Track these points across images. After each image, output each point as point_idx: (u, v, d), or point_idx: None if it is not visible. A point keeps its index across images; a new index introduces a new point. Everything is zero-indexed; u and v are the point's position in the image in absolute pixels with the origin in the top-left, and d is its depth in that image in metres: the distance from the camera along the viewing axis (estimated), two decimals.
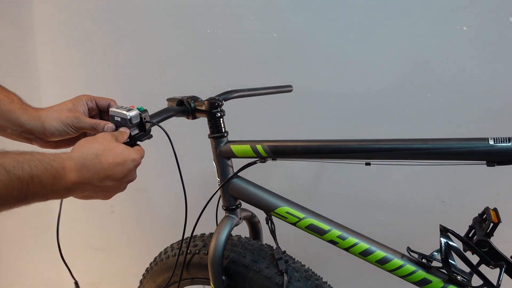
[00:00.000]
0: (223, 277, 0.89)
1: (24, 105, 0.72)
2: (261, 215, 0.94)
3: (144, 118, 0.71)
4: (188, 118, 0.88)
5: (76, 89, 1.17)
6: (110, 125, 0.70)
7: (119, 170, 0.62)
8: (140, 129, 0.72)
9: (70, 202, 0.73)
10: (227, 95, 0.93)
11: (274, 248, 0.90)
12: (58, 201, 0.67)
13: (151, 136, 0.74)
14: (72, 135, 0.73)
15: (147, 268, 1.09)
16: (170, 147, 0.76)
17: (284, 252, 0.91)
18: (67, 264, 0.81)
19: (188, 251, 0.97)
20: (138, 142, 0.71)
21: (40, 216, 1.75)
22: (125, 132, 0.68)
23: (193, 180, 1.45)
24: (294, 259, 0.93)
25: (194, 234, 0.98)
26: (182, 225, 0.86)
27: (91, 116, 0.77)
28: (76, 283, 0.84)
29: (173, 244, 1.05)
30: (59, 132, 0.71)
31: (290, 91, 1.07)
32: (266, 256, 0.90)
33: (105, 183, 0.61)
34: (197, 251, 0.97)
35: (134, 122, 0.69)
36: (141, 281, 1.12)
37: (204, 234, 1.02)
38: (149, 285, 1.08)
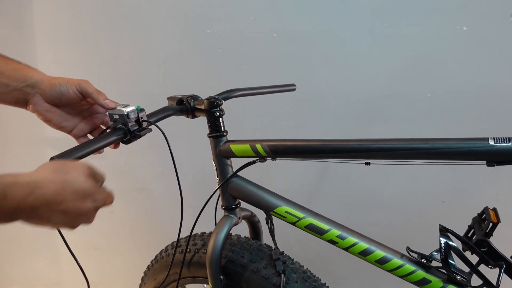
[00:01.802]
0: (221, 277, 0.89)
1: (32, 67, 0.72)
2: (261, 215, 0.94)
3: (141, 118, 0.72)
4: (187, 117, 0.88)
5: None
6: (111, 103, 0.71)
7: (61, 218, 0.53)
8: (139, 126, 0.72)
9: None
10: (229, 94, 0.93)
11: (273, 248, 0.90)
12: None
13: (150, 130, 0.74)
14: (72, 99, 0.70)
15: (148, 265, 1.10)
16: (167, 146, 0.77)
17: (283, 252, 0.91)
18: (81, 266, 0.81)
19: (188, 249, 0.97)
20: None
21: None
22: (103, 177, 0.60)
23: (192, 179, 1.45)
24: (292, 259, 0.93)
25: (194, 233, 0.98)
26: (185, 224, 0.86)
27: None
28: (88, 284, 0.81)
29: (173, 242, 1.06)
30: (61, 89, 0.69)
31: (293, 90, 1.07)
32: (265, 256, 0.90)
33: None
34: (196, 249, 0.97)
35: (131, 117, 0.70)
36: (142, 279, 1.13)
37: (204, 232, 1.03)
38: (150, 282, 1.08)
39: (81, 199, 0.53)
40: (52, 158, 0.57)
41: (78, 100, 0.71)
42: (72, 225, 0.55)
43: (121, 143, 0.72)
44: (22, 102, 0.70)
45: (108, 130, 0.72)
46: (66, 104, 0.71)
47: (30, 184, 0.49)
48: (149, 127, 0.74)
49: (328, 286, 0.91)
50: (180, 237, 1.04)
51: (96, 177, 0.57)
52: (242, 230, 1.03)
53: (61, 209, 0.52)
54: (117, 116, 0.70)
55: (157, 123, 0.75)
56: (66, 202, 0.52)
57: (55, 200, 0.51)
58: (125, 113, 0.69)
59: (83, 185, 0.53)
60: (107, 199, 0.59)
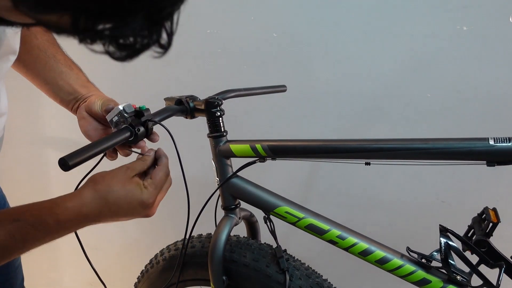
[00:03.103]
0: (224, 277, 0.88)
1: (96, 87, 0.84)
2: (258, 214, 0.93)
3: (147, 118, 0.71)
4: (186, 118, 0.88)
5: None
6: (112, 107, 0.73)
7: (124, 212, 0.63)
8: (142, 125, 0.71)
9: None
10: (224, 95, 0.92)
11: (274, 247, 0.90)
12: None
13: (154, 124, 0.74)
14: (96, 112, 0.76)
15: (142, 271, 1.07)
16: (170, 146, 0.76)
17: (285, 250, 0.91)
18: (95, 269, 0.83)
19: (187, 251, 0.96)
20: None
21: None
22: (145, 164, 0.68)
23: (192, 179, 1.44)
24: (294, 257, 0.93)
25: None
26: (182, 225, 0.86)
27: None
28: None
29: (169, 245, 1.04)
30: (92, 101, 0.77)
31: (284, 91, 1.07)
32: (266, 255, 0.90)
33: (108, 220, 0.64)
34: (195, 251, 0.96)
35: (128, 111, 0.69)
36: (135, 285, 1.10)
37: (202, 234, 1.01)
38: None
39: (126, 205, 0.61)
40: (61, 159, 0.57)
41: (100, 114, 0.76)
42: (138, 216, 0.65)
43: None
44: (74, 108, 0.82)
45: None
46: (94, 115, 0.77)
47: (75, 208, 0.58)
48: (152, 128, 0.73)
49: (330, 282, 0.91)
50: (177, 240, 1.04)
51: (139, 173, 0.65)
52: (238, 230, 1.02)
53: (113, 218, 0.62)
54: (116, 118, 0.70)
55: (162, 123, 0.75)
56: (113, 213, 0.61)
57: (102, 215, 0.60)
58: (121, 109, 0.69)
59: (121, 194, 0.60)
60: (160, 186, 0.69)
